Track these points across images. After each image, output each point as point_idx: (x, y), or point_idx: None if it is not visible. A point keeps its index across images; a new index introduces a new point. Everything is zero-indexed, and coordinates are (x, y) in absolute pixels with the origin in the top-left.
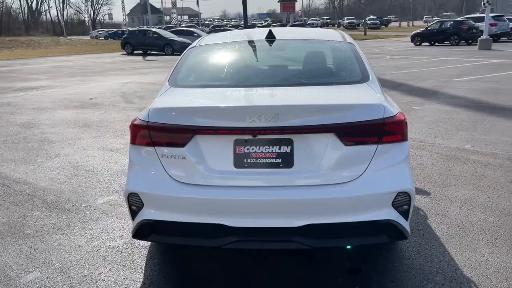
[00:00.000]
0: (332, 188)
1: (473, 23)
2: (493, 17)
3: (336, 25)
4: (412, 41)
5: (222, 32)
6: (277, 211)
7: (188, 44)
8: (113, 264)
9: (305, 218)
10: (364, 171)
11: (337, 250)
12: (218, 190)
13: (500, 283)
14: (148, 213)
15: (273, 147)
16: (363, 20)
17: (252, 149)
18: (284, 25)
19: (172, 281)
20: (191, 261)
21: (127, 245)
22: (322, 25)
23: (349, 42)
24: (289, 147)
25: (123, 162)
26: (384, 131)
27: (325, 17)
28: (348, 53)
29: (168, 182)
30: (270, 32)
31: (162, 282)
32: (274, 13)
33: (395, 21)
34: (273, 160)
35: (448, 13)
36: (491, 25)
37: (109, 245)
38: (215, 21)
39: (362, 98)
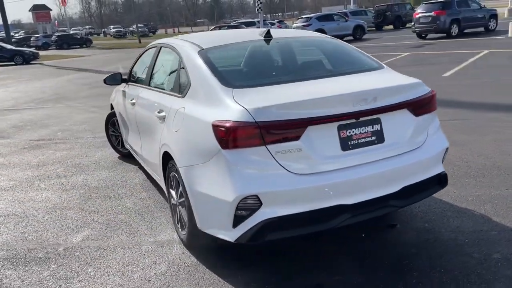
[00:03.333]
0: (413, 153)
1: (246, 27)
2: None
3: (101, 34)
4: None
5: (205, 35)
6: (380, 182)
7: None
8: (203, 281)
9: (400, 183)
10: (427, 136)
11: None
12: (333, 174)
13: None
14: (269, 212)
15: (367, 127)
16: (133, 28)
17: (353, 131)
18: (49, 36)
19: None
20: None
21: (192, 265)
22: (86, 34)
23: (334, 37)
24: (379, 125)
25: (42, 199)
26: (431, 103)
27: (87, 27)
28: (347, 46)
29: (287, 176)
30: (268, 32)
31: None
32: (20, 24)
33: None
34: (370, 139)
35: (202, 20)
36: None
37: (167, 272)
38: None
39: (409, 79)
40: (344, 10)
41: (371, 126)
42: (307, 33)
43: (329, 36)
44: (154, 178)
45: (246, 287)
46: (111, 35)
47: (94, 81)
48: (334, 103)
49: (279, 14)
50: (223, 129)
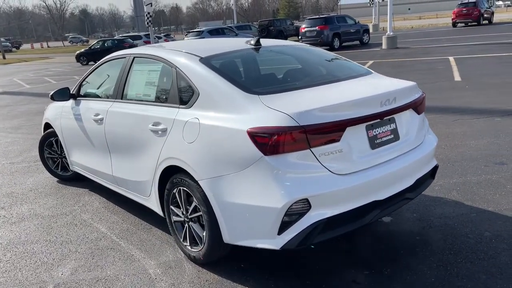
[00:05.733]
0: (420, 148)
1: (132, 41)
2: (145, 35)
3: None
4: (78, 61)
5: (187, 44)
6: (402, 176)
7: None
8: None
9: (413, 176)
10: (425, 132)
11: None
12: (368, 172)
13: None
14: (318, 215)
15: (387, 126)
16: None
17: (377, 131)
18: None
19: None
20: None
21: (217, 282)
22: None
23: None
24: (394, 124)
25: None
26: (424, 103)
27: None
28: (330, 53)
29: (332, 177)
30: (258, 40)
31: None
32: None
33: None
34: (389, 137)
35: (71, 34)
36: (146, 42)
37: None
38: None
39: (408, 82)
40: (230, 25)
41: (389, 125)
42: (287, 41)
43: (307, 44)
44: (133, 198)
45: None
46: None
47: None
48: (366, 104)
49: (155, 28)
50: (265, 135)
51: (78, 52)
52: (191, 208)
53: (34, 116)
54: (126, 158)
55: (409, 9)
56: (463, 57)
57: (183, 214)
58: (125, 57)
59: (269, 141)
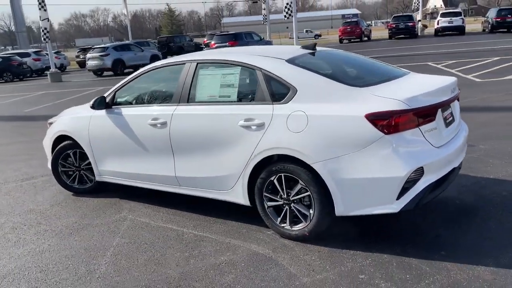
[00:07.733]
0: (463, 129)
1: (20, 58)
2: (34, 52)
3: None
4: None
5: (260, 49)
6: (462, 149)
7: None
8: None
9: (464, 150)
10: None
11: None
12: (450, 145)
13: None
14: (427, 180)
15: (448, 110)
16: None
17: (445, 113)
18: None
19: None
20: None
21: (330, 252)
22: None
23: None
24: (451, 109)
25: (47, 248)
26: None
27: None
28: (364, 57)
29: (434, 150)
30: (314, 46)
31: None
32: None
33: None
34: (451, 118)
35: None
36: (35, 60)
37: (320, 261)
38: None
39: (451, 77)
40: (127, 41)
41: (449, 109)
42: (328, 48)
43: (344, 51)
44: (201, 194)
45: (391, 250)
46: None
47: None
48: (445, 91)
49: (34, 45)
50: (385, 118)
51: None
52: (294, 191)
53: None
54: (199, 157)
55: (287, 27)
56: None
57: (281, 197)
58: (184, 63)
59: (389, 123)
